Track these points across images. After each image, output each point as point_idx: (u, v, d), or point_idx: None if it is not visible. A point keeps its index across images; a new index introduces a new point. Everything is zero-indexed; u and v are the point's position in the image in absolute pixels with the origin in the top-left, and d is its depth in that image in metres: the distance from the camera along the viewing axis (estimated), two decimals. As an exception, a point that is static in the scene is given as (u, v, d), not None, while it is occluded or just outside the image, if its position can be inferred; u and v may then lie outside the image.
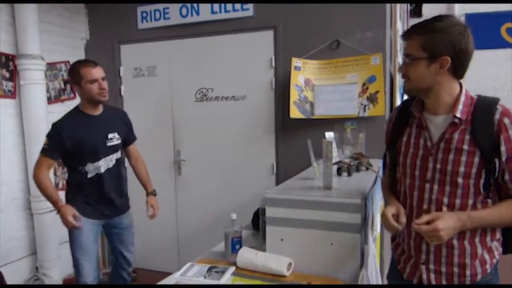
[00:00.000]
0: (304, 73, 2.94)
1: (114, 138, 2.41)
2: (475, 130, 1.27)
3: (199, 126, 3.41)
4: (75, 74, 2.28)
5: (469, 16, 6.89)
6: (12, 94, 3.02)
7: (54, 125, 2.31)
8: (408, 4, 6.61)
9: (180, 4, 3.29)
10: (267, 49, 3.10)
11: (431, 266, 1.38)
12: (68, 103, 3.48)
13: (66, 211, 2.23)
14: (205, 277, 1.62)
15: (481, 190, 1.29)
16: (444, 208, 1.32)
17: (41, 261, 3.14)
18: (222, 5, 3.18)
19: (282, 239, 1.70)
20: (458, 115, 1.29)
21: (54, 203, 2.28)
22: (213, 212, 3.32)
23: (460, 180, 1.29)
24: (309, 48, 2.92)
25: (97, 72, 2.28)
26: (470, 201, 1.30)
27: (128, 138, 2.55)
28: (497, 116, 1.25)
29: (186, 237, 3.49)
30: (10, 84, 3.00)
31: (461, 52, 1.25)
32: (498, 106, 1.26)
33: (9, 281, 2.83)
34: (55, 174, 3.29)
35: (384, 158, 1.60)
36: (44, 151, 2.28)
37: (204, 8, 3.23)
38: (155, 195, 2.62)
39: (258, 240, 2.03)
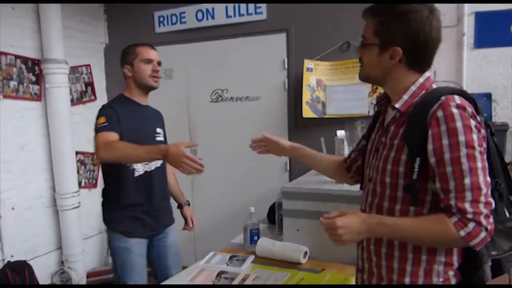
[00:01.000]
0: (316, 74, 3.05)
1: (160, 135, 2.12)
2: (408, 122, 1.06)
3: (214, 126, 3.54)
4: (128, 53, 2.03)
5: (479, 15, 6.95)
6: (38, 97, 3.18)
7: (105, 106, 2.02)
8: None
9: (196, 9, 3.43)
10: (280, 51, 3.23)
11: (364, 276, 1.20)
12: (89, 104, 3.65)
13: (177, 160, 1.65)
14: (227, 265, 1.76)
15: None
16: (373, 212, 1.14)
17: (67, 255, 3.30)
18: (236, 9, 3.31)
19: (298, 230, 1.83)
20: (397, 106, 1.09)
21: (151, 152, 1.71)
22: (228, 209, 3.45)
23: (387, 179, 1.09)
24: (321, 50, 3.03)
25: (154, 54, 2.04)
26: (398, 206, 1.07)
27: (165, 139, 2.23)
28: (434, 107, 1.00)
29: (202, 233, 3.62)
30: (36, 87, 3.17)
31: (418, 43, 1.05)
32: (442, 97, 1.01)
33: (37, 274, 3.01)
34: (78, 172, 3.45)
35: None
36: (104, 128, 1.84)
37: (219, 12, 3.37)
38: (188, 204, 2.36)
39: (274, 233, 2.16)
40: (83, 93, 3.60)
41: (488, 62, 6.89)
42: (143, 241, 2.03)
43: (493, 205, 0.97)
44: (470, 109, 1.00)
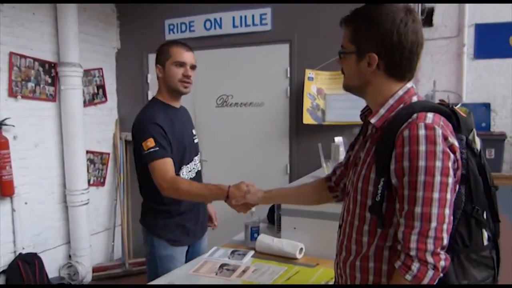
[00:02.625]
0: (317, 83, 3.22)
1: (196, 136, 2.07)
2: (380, 141, 1.00)
3: (219, 129, 3.70)
4: (162, 52, 1.89)
5: (479, 26, 7.11)
6: (53, 97, 3.36)
7: (149, 122, 1.79)
8: (420, 14, 6.86)
9: (205, 18, 3.61)
10: (283, 60, 3.39)
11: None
12: (101, 106, 3.83)
13: (241, 194, 1.74)
14: (229, 258, 1.90)
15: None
16: (347, 229, 1.10)
17: (75, 249, 3.45)
18: (243, 19, 3.48)
19: (295, 228, 1.98)
20: (372, 120, 1.04)
21: (215, 194, 1.75)
22: (231, 209, 3.59)
23: (358, 197, 1.05)
24: (321, 61, 3.19)
25: (188, 57, 1.88)
26: (366, 227, 1.03)
27: None
28: (403, 126, 0.94)
29: (210, 232, 3.78)
30: (52, 89, 3.34)
31: (391, 47, 1.00)
32: (414, 115, 0.95)
33: (46, 266, 3.16)
34: (87, 171, 3.61)
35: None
36: (156, 155, 1.74)
37: (226, 22, 3.54)
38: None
39: (273, 231, 2.31)
40: (94, 95, 3.77)
41: (487, 73, 7.02)
42: (185, 249, 2.01)
43: (445, 242, 0.90)
44: (440, 130, 0.92)
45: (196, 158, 2.06)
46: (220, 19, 3.56)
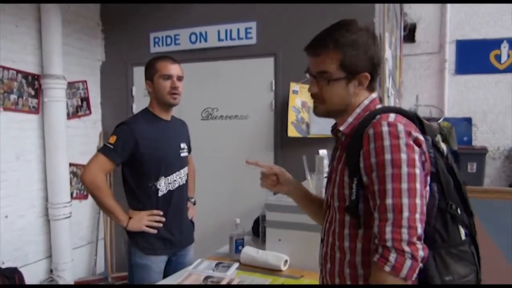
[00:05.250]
0: (301, 96, 3.26)
1: (185, 149, 2.14)
2: (348, 144, 1.08)
3: (204, 142, 3.70)
4: (150, 68, 2.00)
5: (460, 43, 7.32)
6: (36, 110, 3.32)
7: (126, 124, 1.95)
8: (402, 30, 7.02)
9: (190, 32, 3.63)
10: (268, 74, 3.44)
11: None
12: (84, 118, 3.80)
13: (138, 226, 1.92)
14: (213, 270, 1.91)
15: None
16: (330, 238, 1.12)
17: (56, 263, 3.38)
18: (228, 33, 3.52)
19: (279, 240, 1.99)
20: (341, 128, 1.12)
21: (116, 218, 1.92)
22: (216, 221, 3.58)
23: (336, 203, 1.10)
24: (306, 75, 3.24)
25: (174, 69, 1.99)
26: (346, 231, 1.07)
27: (189, 150, 2.29)
28: (368, 127, 1.01)
29: (197, 244, 3.75)
30: (35, 101, 3.31)
31: (377, 65, 1.13)
32: (377, 116, 1.02)
33: (26, 281, 3.09)
34: (70, 183, 3.56)
35: None
36: (107, 151, 1.88)
37: (212, 35, 3.57)
38: (193, 203, 2.39)
39: (258, 244, 2.32)
40: (78, 108, 3.75)
41: (468, 88, 7.19)
42: (163, 258, 2.04)
43: (419, 231, 0.92)
44: (402, 126, 0.98)
45: (181, 171, 2.08)
46: (206, 32, 3.60)
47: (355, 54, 1.08)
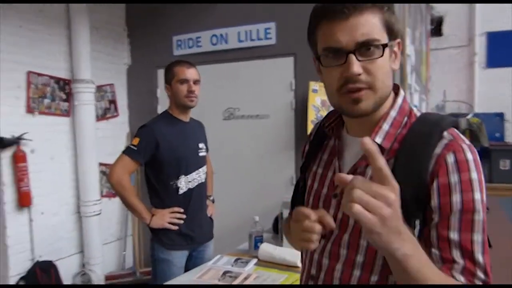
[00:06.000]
0: (321, 95, 3.31)
1: (203, 149, 2.25)
2: (398, 167, 0.75)
3: (227, 142, 3.81)
4: (168, 73, 2.13)
5: (490, 35, 7.11)
6: (67, 113, 3.51)
7: (147, 126, 2.07)
8: (428, 24, 6.89)
9: (211, 34, 3.74)
10: (287, 73, 3.50)
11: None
12: (112, 120, 3.97)
13: (160, 223, 2.05)
14: (232, 266, 2.00)
15: None
16: (336, 281, 0.84)
17: (88, 258, 3.57)
18: (248, 34, 3.60)
19: (296, 237, 2.06)
20: (378, 140, 0.80)
21: (140, 215, 2.06)
22: (237, 219, 3.68)
23: (363, 242, 0.80)
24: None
25: (190, 73, 2.09)
26: (375, 277, 0.78)
27: (207, 150, 2.38)
28: (438, 149, 0.74)
29: (217, 241, 3.87)
30: (66, 104, 3.50)
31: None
32: (445, 134, 0.76)
33: (61, 273, 3.29)
34: (100, 182, 3.74)
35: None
36: (130, 153, 2.01)
37: (232, 37, 3.66)
38: (212, 201, 2.50)
39: (278, 241, 2.39)
40: (106, 110, 3.92)
41: (500, 82, 6.96)
42: (184, 253, 2.15)
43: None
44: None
45: (200, 170, 2.20)
46: (226, 34, 3.69)
47: (390, 9, 0.79)
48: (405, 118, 0.83)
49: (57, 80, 3.41)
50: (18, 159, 3.04)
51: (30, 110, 3.20)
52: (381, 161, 0.61)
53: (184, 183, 2.12)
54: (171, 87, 2.11)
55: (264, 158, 3.63)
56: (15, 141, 3.05)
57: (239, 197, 3.73)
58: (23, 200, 3.09)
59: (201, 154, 2.23)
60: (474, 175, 0.73)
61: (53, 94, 3.38)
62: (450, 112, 6.74)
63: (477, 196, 0.72)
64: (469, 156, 0.74)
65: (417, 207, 0.73)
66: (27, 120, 3.18)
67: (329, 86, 0.83)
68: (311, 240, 0.77)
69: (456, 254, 0.71)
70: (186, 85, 2.08)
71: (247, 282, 1.80)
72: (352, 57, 0.76)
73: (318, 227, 0.76)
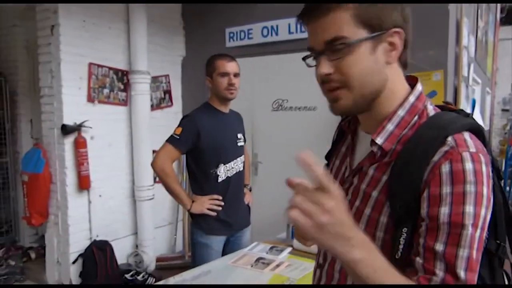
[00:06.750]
0: (370, 87, 3.22)
1: (241, 139, 2.31)
2: (394, 173, 0.74)
3: (274, 132, 3.84)
4: (209, 66, 2.19)
5: None
6: (124, 102, 3.73)
7: (190, 116, 2.16)
8: (498, 12, 6.41)
9: (262, 26, 3.77)
10: (336, 65, 3.44)
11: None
12: (167, 110, 4.15)
13: (200, 209, 2.12)
14: (267, 253, 2.03)
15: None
16: (336, 274, 0.86)
17: (141, 240, 3.79)
18: (298, 25, 3.55)
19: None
20: (379, 141, 0.78)
21: (181, 201, 2.16)
22: (280, 209, 3.70)
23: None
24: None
25: (231, 66, 2.14)
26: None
27: (244, 140, 2.43)
28: (436, 157, 0.69)
29: (258, 229, 3.94)
30: (124, 94, 3.71)
31: (407, 19, 0.78)
32: (448, 139, 0.70)
33: (116, 253, 3.52)
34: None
35: None
36: (173, 141, 2.08)
37: (283, 29, 3.67)
38: (249, 189, 2.53)
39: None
40: (161, 100, 4.11)
41: None
42: (222, 239, 2.23)
43: None
44: (485, 157, 0.70)
45: (238, 159, 2.26)
46: (277, 26, 3.70)
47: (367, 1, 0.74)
48: (415, 118, 0.77)
49: (116, 71, 3.63)
50: (79, 145, 3.29)
51: (90, 99, 3.44)
52: (318, 171, 0.62)
53: (223, 171, 2.18)
54: (212, 80, 2.17)
55: (311, 149, 3.55)
56: (77, 128, 3.30)
57: (284, 187, 3.70)
58: (83, 183, 3.34)
59: (239, 144, 2.29)
60: (470, 187, 0.67)
61: (112, 85, 3.60)
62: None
63: (469, 209, 0.67)
64: (469, 166, 0.68)
65: (408, 215, 0.71)
66: (88, 109, 3.42)
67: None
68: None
69: (438, 266, 0.67)
70: (227, 78, 2.13)
71: (278, 270, 1.83)
72: (321, 58, 0.77)
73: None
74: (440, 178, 0.68)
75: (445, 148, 0.69)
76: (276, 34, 3.71)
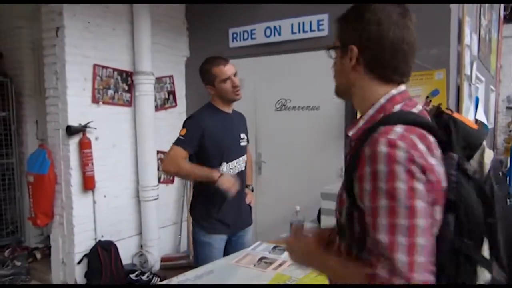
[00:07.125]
0: (373, 86, 3.23)
1: (244, 139, 2.35)
2: (348, 156, 0.94)
3: (278, 132, 3.85)
4: (207, 75, 2.19)
5: None
6: (128, 103, 3.75)
7: (193, 117, 2.21)
8: (501, 10, 6.38)
9: (265, 26, 3.78)
10: (339, 65, 3.44)
11: None
12: (171, 110, 4.18)
13: (228, 185, 2.06)
14: (269, 253, 2.05)
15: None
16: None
17: (145, 240, 3.81)
18: (301, 26, 3.59)
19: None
20: (349, 133, 0.98)
21: (208, 174, 2.09)
22: (284, 208, 3.71)
23: (339, 218, 0.98)
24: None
25: (229, 69, 2.16)
26: (354, 250, 0.91)
27: (247, 140, 2.46)
28: (367, 142, 0.84)
29: (261, 228, 3.95)
30: (128, 95, 3.74)
31: (371, 38, 0.92)
32: (379, 128, 0.84)
33: (121, 253, 3.55)
34: (158, 169, 3.95)
35: None
36: (180, 143, 2.12)
37: (285, 29, 3.67)
38: (251, 190, 2.53)
39: (319, 231, 2.40)
40: (165, 100, 4.13)
41: None
42: (223, 237, 2.25)
43: (423, 277, 0.74)
44: (405, 148, 0.79)
45: (241, 159, 2.29)
46: (280, 26, 3.71)
47: (349, 21, 0.98)
48: (381, 115, 0.91)
49: (120, 72, 3.66)
50: (84, 146, 3.32)
51: (95, 100, 3.46)
52: (284, 242, 1.20)
53: (226, 170, 2.21)
54: (215, 87, 2.18)
55: (314, 149, 3.63)
56: (81, 129, 3.33)
57: (287, 186, 3.76)
58: (88, 184, 3.37)
59: (242, 143, 2.32)
60: (381, 167, 0.79)
61: (116, 86, 3.63)
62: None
63: (381, 185, 0.79)
64: (382, 149, 0.80)
65: (348, 191, 0.87)
66: (92, 110, 3.45)
67: None
68: None
69: (368, 241, 0.82)
70: (229, 81, 2.15)
71: (280, 269, 1.85)
72: None
73: None
74: (364, 159, 0.82)
75: (373, 135, 0.83)
76: (279, 34, 3.72)
